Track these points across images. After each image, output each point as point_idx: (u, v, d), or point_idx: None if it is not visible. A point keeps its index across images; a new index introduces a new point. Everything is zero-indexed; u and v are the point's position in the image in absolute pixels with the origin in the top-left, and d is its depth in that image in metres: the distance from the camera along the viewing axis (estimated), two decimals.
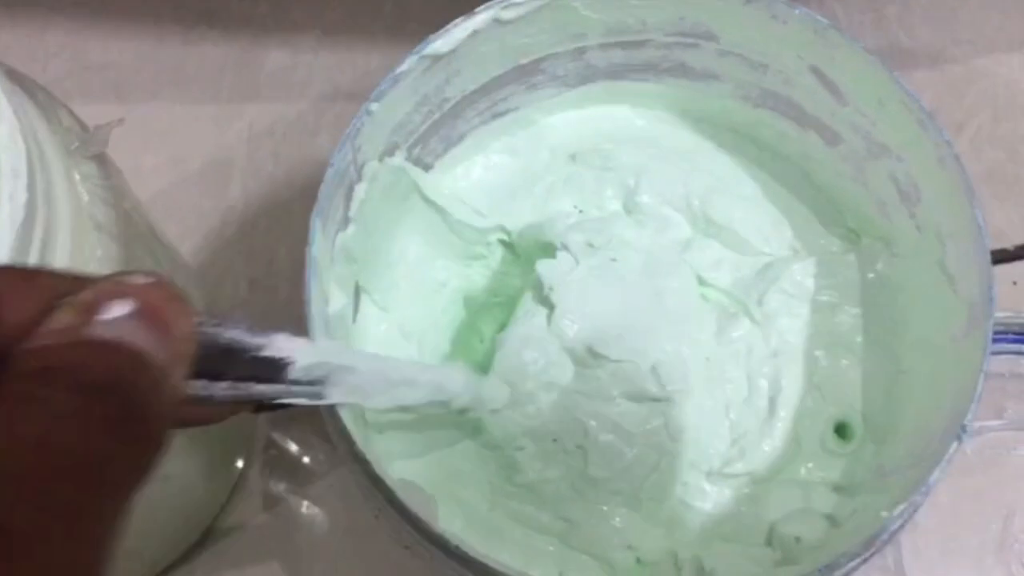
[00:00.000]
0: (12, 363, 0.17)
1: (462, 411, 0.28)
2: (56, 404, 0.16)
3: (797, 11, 0.28)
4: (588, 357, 0.29)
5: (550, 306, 0.30)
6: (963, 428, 0.25)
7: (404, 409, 0.28)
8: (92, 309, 0.17)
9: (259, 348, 0.21)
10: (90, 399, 0.16)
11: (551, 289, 0.30)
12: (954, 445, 0.24)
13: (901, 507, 0.24)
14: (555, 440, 0.29)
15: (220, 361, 0.20)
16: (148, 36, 0.46)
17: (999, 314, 0.39)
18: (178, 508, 0.37)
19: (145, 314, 0.18)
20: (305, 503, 0.40)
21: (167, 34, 0.46)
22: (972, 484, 0.38)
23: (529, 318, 0.30)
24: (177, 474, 0.35)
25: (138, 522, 0.33)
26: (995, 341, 0.40)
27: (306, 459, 0.40)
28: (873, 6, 0.46)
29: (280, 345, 0.21)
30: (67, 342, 0.17)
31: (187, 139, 0.44)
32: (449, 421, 0.30)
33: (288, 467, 0.40)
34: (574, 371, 0.30)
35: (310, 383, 0.23)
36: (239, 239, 0.43)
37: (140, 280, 0.18)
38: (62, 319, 0.17)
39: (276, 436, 0.40)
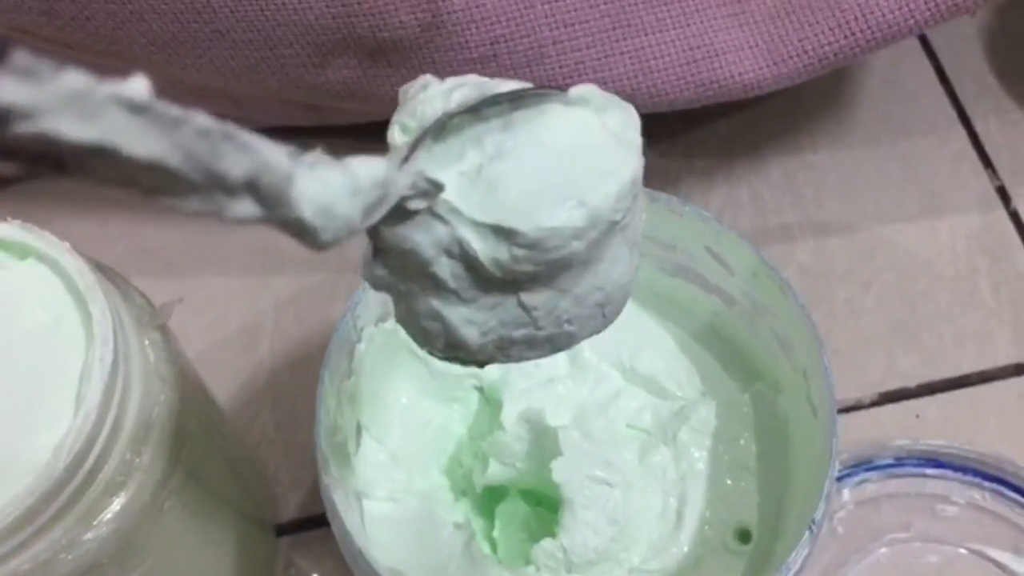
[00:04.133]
0: None
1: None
2: None
3: (687, 207, 0.37)
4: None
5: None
6: (812, 520, 0.31)
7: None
8: None
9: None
10: None
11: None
12: (806, 534, 0.31)
13: None
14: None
15: None
16: (193, 222, 0.53)
17: (903, 441, 0.46)
18: None
19: None
20: None
21: (209, 220, 0.54)
22: None
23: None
24: None
25: None
26: (901, 465, 0.47)
27: None
28: (792, 188, 0.54)
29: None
30: None
31: (225, 307, 0.51)
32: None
33: None
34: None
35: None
36: (267, 389, 0.49)
37: None
38: None
39: (296, 557, 0.45)
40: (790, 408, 0.37)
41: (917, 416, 0.48)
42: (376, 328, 0.38)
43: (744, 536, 0.37)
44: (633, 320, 0.41)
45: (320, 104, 0.49)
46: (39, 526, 0.29)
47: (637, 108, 0.45)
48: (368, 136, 0.53)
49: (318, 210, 0.19)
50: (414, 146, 0.22)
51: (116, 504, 0.31)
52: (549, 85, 0.24)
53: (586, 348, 0.40)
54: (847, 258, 0.52)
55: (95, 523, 0.31)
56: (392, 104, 0.47)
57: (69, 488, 0.29)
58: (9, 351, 0.31)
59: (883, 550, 0.44)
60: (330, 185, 0.19)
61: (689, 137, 0.55)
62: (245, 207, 0.18)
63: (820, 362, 0.34)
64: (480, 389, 0.41)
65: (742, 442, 0.38)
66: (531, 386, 0.39)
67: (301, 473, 0.47)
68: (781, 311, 0.36)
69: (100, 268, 0.34)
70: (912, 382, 0.49)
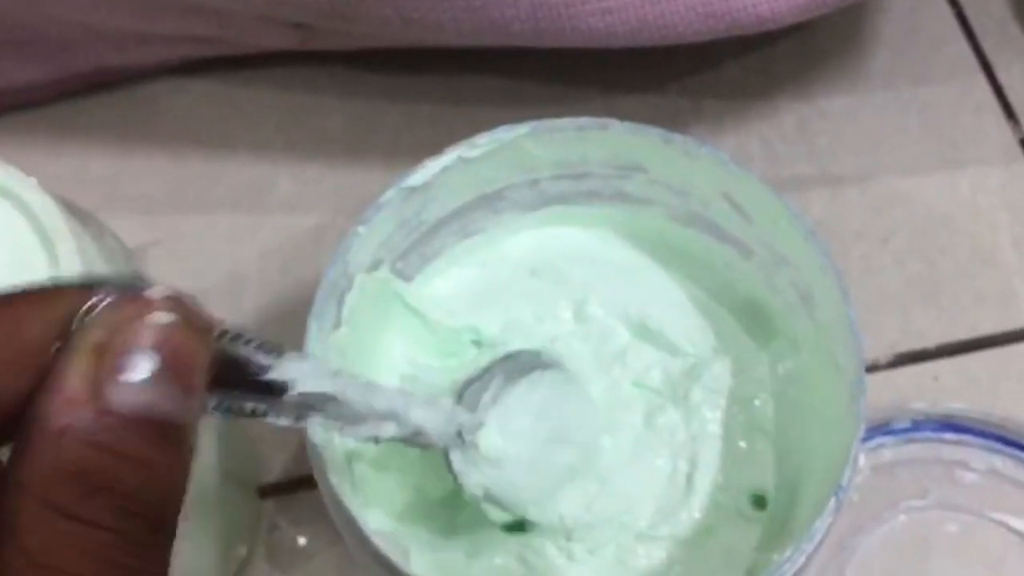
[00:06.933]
0: (31, 456, 0.15)
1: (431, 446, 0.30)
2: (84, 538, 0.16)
3: (704, 149, 0.34)
4: None
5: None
6: (839, 486, 0.29)
7: (376, 440, 0.28)
8: (111, 365, 0.16)
9: (266, 369, 0.21)
10: (122, 521, 0.16)
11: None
12: (832, 500, 0.29)
13: (789, 551, 0.29)
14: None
15: (224, 374, 0.20)
16: (174, 167, 0.51)
17: (920, 405, 0.44)
18: None
19: (170, 368, 0.16)
20: None
21: (190, 165, 0.52)
22: (904, 557, 0.42)
23: None
24: (179, 561, 0.39)
25: None
26: (918, 430, 0.45)
27: (304, 540, 0.43)
28: (806, 138, 0.51)
29: (287, 367, 0.22)
30: (90, 437, 0.15)
31: (206, 257, 0.49)
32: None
33: (291, 550, 0.43)
34: None
35: (298, 406, 0.24)
36: None
37: (160, 318, 0.17)
38: (77, 375, 0.15)
39: (281, 520, 0.44)
40: (811, 367, 0.35)
41: (935, 378, 0.46)
42: (368, 276, 0.35)
43: (759, 502, 0.35)
44: (642, 272, 0.39)
45: (308, 23, 0.46)
46: None
47: (643, 41, 0.43)
48: (360, 63, 0.52)
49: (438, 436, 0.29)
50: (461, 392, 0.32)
51: None
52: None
53: (592, 301, 0.38)
54: (863, 213, 0.50)
55: None
56: (385, 28, 0.44)
57: None
58: None
59: (900, 518, 0.42)
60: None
61: (697, 80, 0.53)
62: (390, 430, 0.28)
63: (846, 316, 0.32)
64: (478, 343, 0.38)
65: (758, 403, 0.36)
66: (531, 344, 0.37)
67: (287, 434, 0.45)
68: (803, 262, 0.34)
69: (70, 207, 0.32)
70: (930, 343, 0.47)
